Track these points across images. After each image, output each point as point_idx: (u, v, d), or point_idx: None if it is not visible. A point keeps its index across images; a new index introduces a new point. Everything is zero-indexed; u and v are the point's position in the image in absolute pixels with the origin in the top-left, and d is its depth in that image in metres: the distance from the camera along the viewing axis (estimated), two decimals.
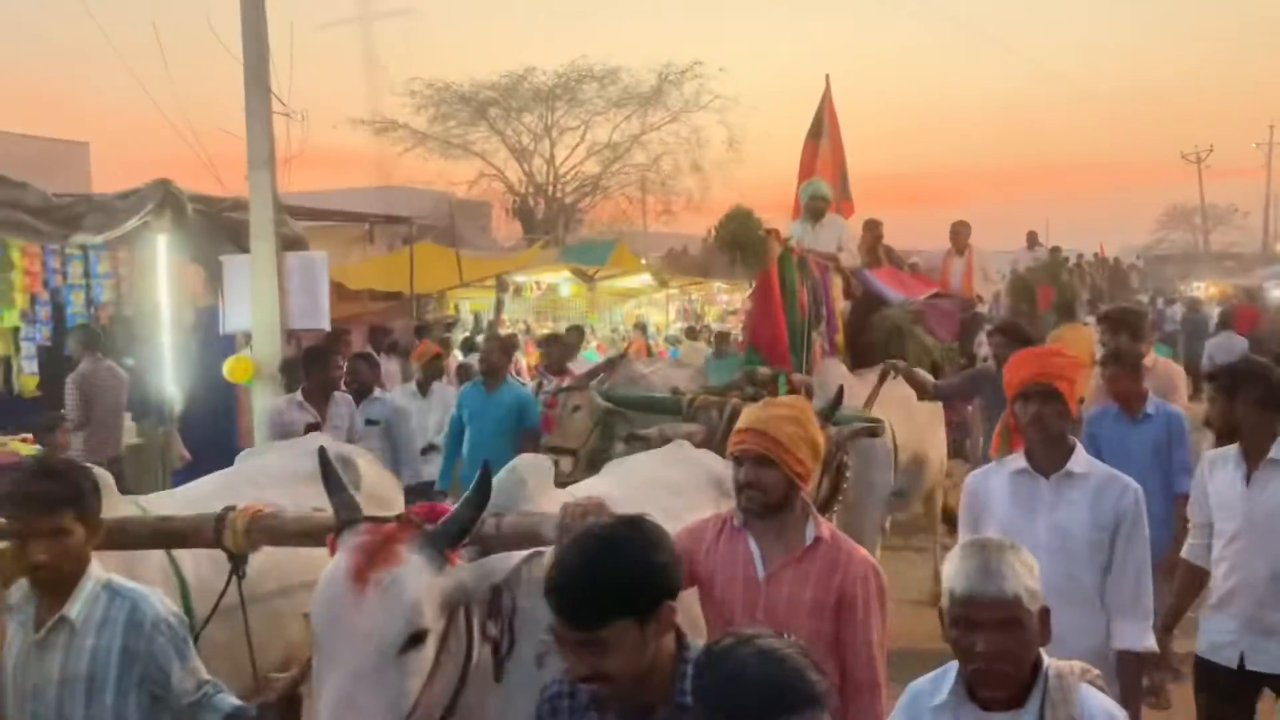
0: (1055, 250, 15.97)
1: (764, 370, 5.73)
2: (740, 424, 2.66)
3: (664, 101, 29.22)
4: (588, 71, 28.69)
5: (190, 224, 8.12)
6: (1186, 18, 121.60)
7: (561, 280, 15.81)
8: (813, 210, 7.68)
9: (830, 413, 4.78)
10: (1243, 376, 3.67)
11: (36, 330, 8.53)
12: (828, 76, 8.96)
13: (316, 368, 5.92)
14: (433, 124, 29.08)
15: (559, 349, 7.23)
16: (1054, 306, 12.87)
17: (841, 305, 7.04)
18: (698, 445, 4.96)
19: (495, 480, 2.69)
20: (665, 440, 5.03)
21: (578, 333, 10.51)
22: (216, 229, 8.35)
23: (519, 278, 14.79)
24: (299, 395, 5.86)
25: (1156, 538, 4.42)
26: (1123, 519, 3.04)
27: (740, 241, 6.09)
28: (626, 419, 5.57)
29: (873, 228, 9.21)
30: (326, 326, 8.21)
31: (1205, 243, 48.65)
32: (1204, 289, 28.91)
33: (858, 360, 6.80)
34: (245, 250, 7.76)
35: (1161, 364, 5.70)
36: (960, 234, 9.48)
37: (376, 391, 6.54)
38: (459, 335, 13.50)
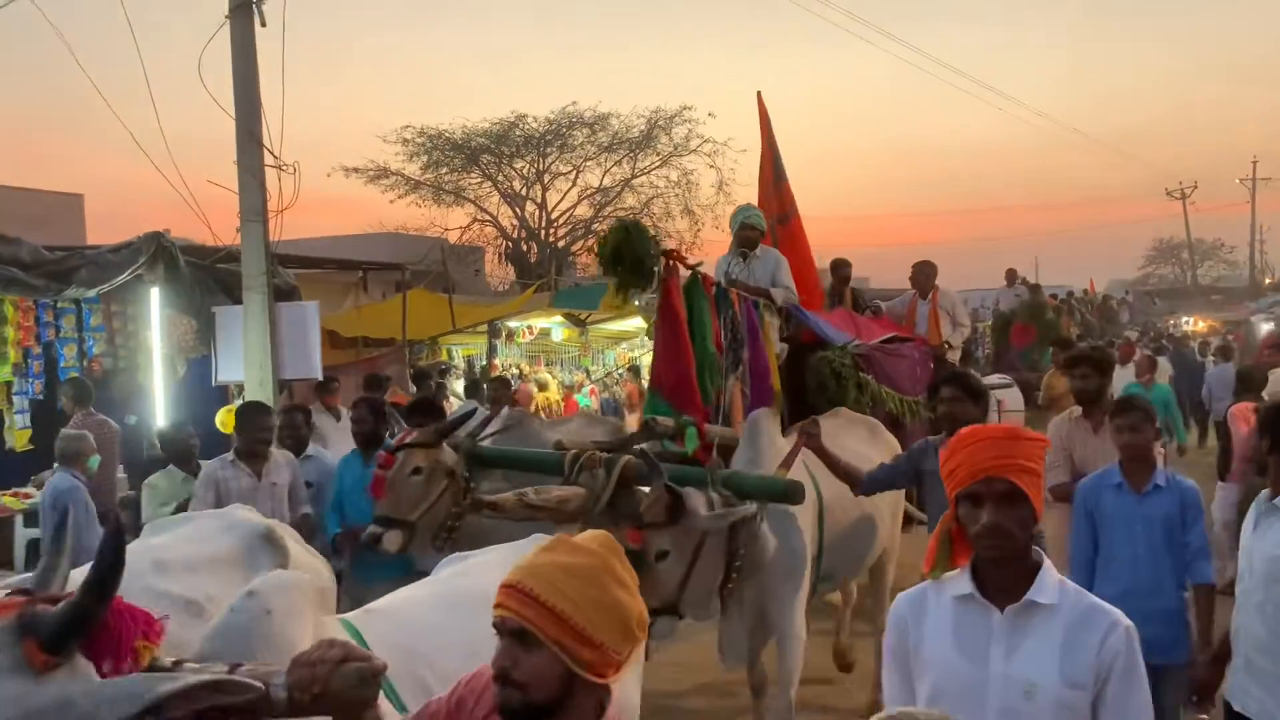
0: (1036, 288, 15.73)
1: (665, 420, 4.80)
2: (508, 576, 1.79)
3: (654, 146, 29.53)
4: (578, 118, 29.01)
5: (183, 276, 8.20)
6: (1166, 56, 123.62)
7: (554, 325, 15.87)
8: (742, 240, 6.60)
9: (677, 512, 3.87)
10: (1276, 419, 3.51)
11: (29, 384, 8.56)
12: (759, 93, 7.76)
13: (246, 425, 5.47)
14: (425, 171, 29.36)
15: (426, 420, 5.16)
16: (1036, 345, 12.82)
17: (777, 348, 6.07)
18: (574, 513, 4.20)
19: (231, 609, 2.19)
20: (524, 507, 4.18)
21: (500, 384, 8.62)
22: (209, 280, 8.42)
23: (511, 323, 14.85)
24: (231, 455, 5.43)
25: (1167, 637, 3.82)
26: (1109, 670, 2.13)
27: (623, 259, 4.97)
28: (504, 480, 4.69)
29: (839, 268, 8.67)
30: (319, 376, 8.26)
31: (1193, 277, 49.06)
32: (1193, 323, 29.15)
33: (793, 411, 5.81)
34: (238, 301, 7.82)
35: None
36: (922, 275, 8.44)
37: (310, 449, 5.98)
38: (454, 381, 13.54)
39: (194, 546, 3.18)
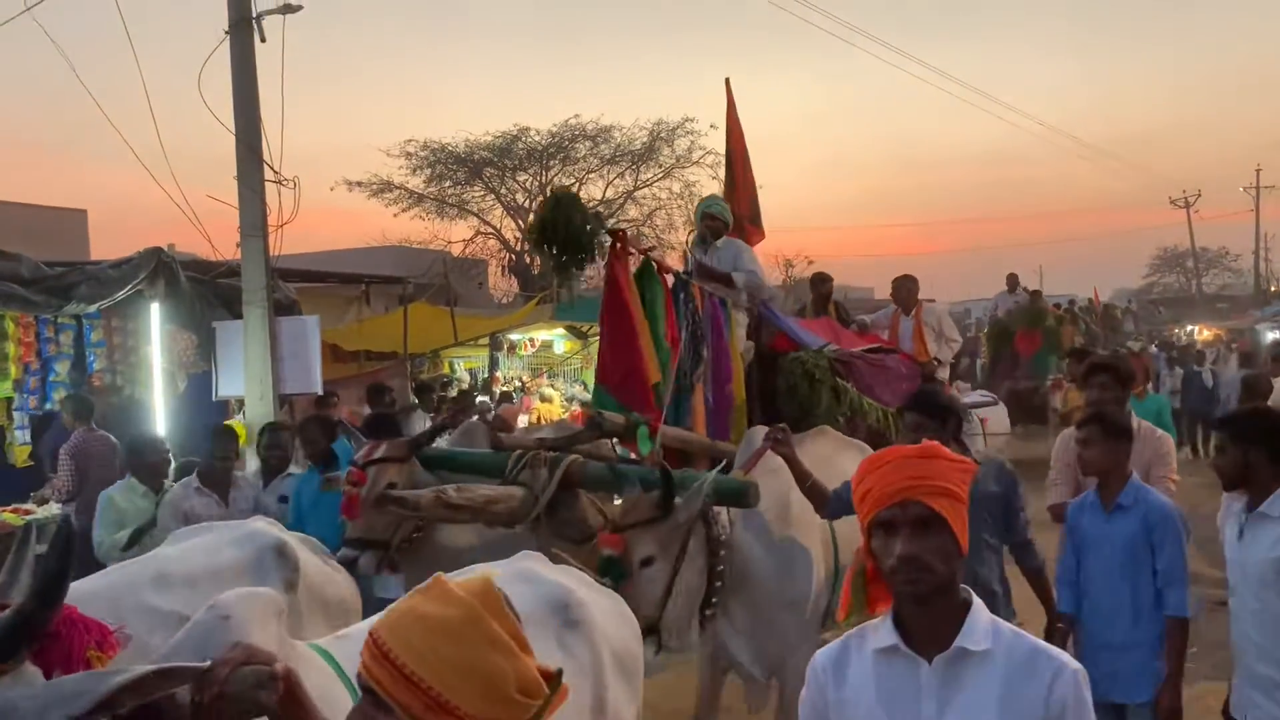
0: (1036, 294, 15.27)
1: (614, 416, 4.34)
2: (376, 623, 1.62)
3: (656, 158, 29.61)
4: (580, 130, 29.12)
5: (183, 291, 8.22)
6: (1168, 64, 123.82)
7: (555, 337, 15.88)
8: (707, 231, 6.26)
9: (668, 505, 3.49)
10: (1259, 425, 3.44)
11: (29, 400, 8.55)
12: (728, 80, 7.31)
13: (218, 449, 5.37)
14: (429, 184, 29.49)
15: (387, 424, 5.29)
16: (1044, 352, 12.66)
17: (742, 346, 5.62)
18: (507, 516, 3.85)
19: (193, 620, 2.18)
20: (442, 506, 3.77)
21: (457, 400, 8.02)
22: (209, 295, 8.45)
23: (513, 335, 14.86)
24: (195, 480, 5.31)
25: (1131, 670, 3.54)
26: None
27: (558, 233, 4.50)
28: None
29: (820, 284, 8.33)
30: (319, 391, 8.27)
31: (1198, 286, 48.94)
32: (1198, 332, 29.04)
33: (764, 420, 5.31)
34: (238, 316, 7.83)
35: (1145, 429, 4.56)
36: (903, 290, 8.12)
37: (292, 467, 5.88)
38: (454, 394, 13.54)
39: (202, 559, 3.14)
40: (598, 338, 16.00)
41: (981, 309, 19.26)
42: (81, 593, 2.66)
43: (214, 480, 5.33)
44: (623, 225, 30.51)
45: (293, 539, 3.46)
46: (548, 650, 2.56)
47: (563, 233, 4.51)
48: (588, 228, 4.58)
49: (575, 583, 2.96)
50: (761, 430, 4.40)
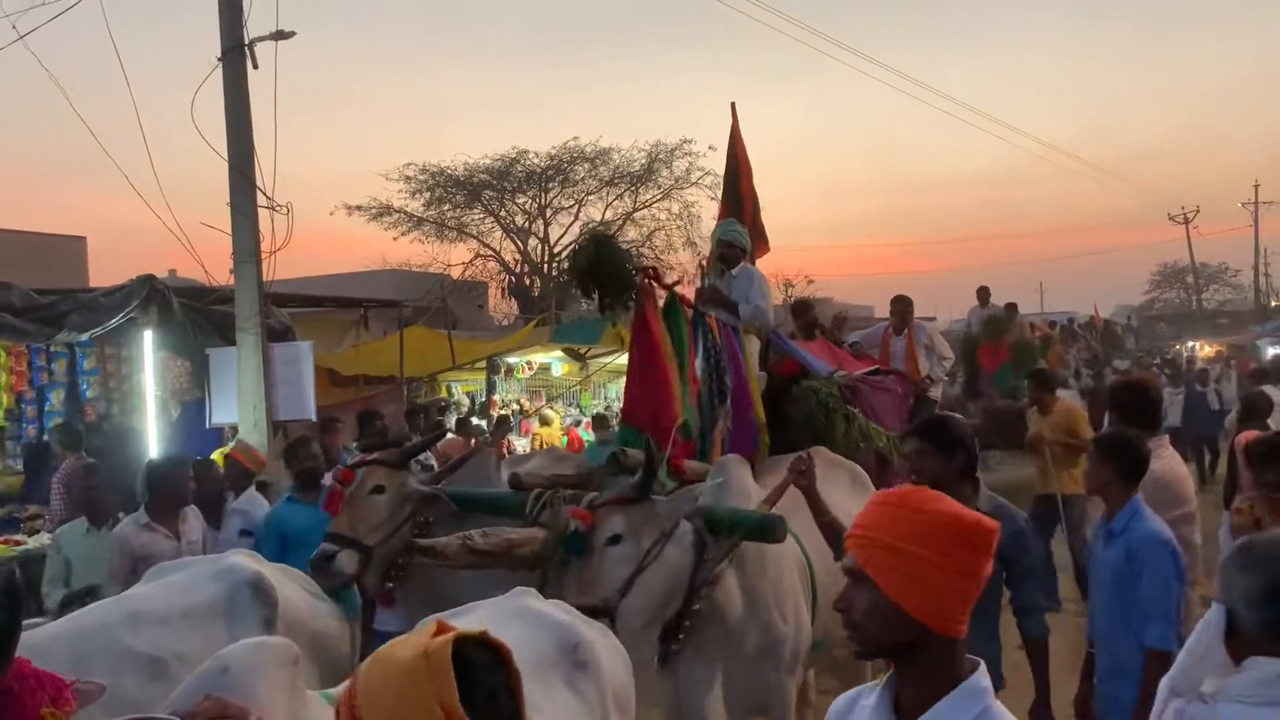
0: (1011, 307, 14.71)
1: (636, 453, 4.22)
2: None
3: (655, 179, 29.70)
4: (579, 153, 29.21)
5: (176, 318, 8.19)
6: (1165, 81, 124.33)
7: (553, 360, 15.84)
8: (723, 259, 6.18)
9: (645, 487, 3.40)
10: None
11: (23, 429, 8.51)
12: (734, 105, 7.29)
13: (164, 483, 5.04)
14: (428, 207, 29.56)
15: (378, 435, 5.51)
16: (1010, 367, 12.37)
17: (757, 372, 5.63)
18: (531, 560, 3.77)
19: (196, 672, 2.12)
20: (468, 553, 3.66)
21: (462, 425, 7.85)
22: (203, 322, 8.43)
23: (510, 358, 14.82)
24: (144, 516, 4.98)
25: (1126, 698, 3.33)
26: None
27: (598, 272, 4.55)
28: (462, 521, 4.21)
29: (802, 311, 8.16)
30: (312, 417, 8.21)
31: (1198, 302, 48.90)
32: (1199, 348, 28.97)
33: (774, 448, 5.38)
34: (232, 342, 7.80)
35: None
36: (900, 310, 8.11)
37: (243, 500, 5.73)
38: (452, 418, 13.49)
39: (177, 597, 3.06)
40: (595, 360, 15.97)
41: (960, 327, 18.77)
42: (46, 637, 2.67)
43: (164, 515, 4.99)
44: (624, 246, 30.54)
45: (273, 572, 3.36)
46: (558, 692, 2.56)
47: (607, 274, 4.54)
48: (629, 267, 4.59)
49: (573, 618, 2.93)
50: (734, 458, 4.28)
